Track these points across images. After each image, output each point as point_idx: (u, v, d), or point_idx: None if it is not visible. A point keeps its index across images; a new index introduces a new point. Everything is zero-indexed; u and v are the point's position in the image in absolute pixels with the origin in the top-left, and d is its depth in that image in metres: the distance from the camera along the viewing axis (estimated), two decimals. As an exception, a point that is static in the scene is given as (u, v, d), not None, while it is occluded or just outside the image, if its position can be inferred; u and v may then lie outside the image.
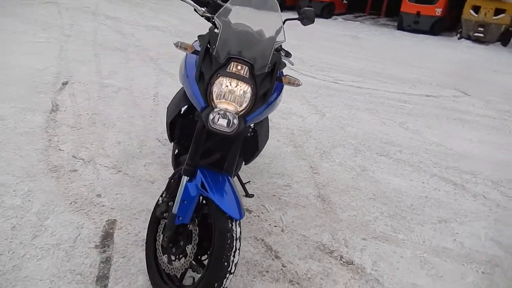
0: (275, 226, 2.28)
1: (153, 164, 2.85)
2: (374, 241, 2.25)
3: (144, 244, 2.04)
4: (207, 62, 1.51)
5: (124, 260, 1.95)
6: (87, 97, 3.97)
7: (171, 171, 2.73)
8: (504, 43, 10.26)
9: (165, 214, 1.70)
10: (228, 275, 1.49)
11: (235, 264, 1.51)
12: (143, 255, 1.98)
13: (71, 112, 3.56)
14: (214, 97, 1.46)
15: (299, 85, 1.62)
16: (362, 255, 2.13)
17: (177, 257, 1.65)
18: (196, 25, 8.74)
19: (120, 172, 2.71)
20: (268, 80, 1.51)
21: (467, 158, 3.45)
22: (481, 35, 10.14)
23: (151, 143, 3.15)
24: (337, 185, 2.81)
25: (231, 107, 1.46)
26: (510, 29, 10.18)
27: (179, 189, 1.62)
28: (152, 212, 1.86)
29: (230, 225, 1.51)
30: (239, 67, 1.45)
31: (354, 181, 2.89)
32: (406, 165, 3.21)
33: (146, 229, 1.88)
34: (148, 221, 1.88)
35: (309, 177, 2.88)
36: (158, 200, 1.82)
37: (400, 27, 11.81)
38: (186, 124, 1.88)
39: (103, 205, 2.35)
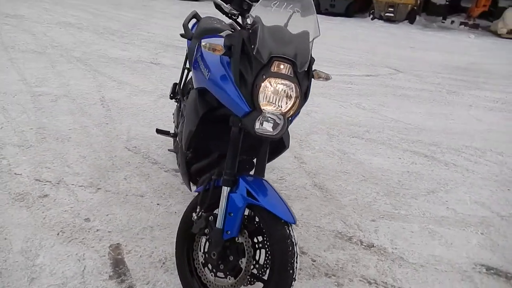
0: (287, 222, 2.27)
1: (133, 176, 2.63)
2: (382, 221, 2.37)
3: (163, 265, 1.91)
4: (245, 63, 1.42)
5: (149, 286, 1.78)
6: (21, 110, 3.49)
7: (156, 182, 2.56)
8: (411, 21, 11.39)
9: (206, 230, 1.59)
10: (293, 282, 1.45)
11: (298, 270, 1.47)
12: (168, 277, 1.83)
13: (10, 129, 3.11)
14: (262, 100, 1.38)
15: (329, 79, 1.60)
16: (378, 236, 2.23)
17: (229, 273, 1.55)
18: (111, 19, 8.18)
19: (100, 189, 2.45)
20: (306, 77, 1.47)
21: (425, 131, 3.78)
22: (391, 14, 11.11)
23: (121, 154, 2.89)
24: (327, 171, 2.88)
25: (278, 109, 1.39)
26: (415, 8, 11.33)
27: (221, 201, 1.53)
28: (180, 231, 1.73)
29: (288, 231, 1.46)
30: (281, 66, 1.38)
31: (340, 165, 2.99)
32: (378, 144, 3.41)
33: (175, 250, 1.74)
34: (176, 241, 1.74)
35: (298, 167, 2.91)
36: (185, 217, 1.70)
37: (318, 11, 12.35)
38: (202, 131, 1.76)
39: (98, 230, 2.10)
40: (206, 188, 1.62)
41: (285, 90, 1.37)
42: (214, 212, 1.61)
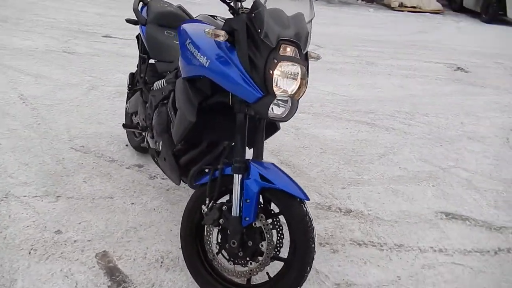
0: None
1: (93, 177, 2.43)
2: (351, 187, 2.57)
3: (162, 264, 1.85)
4: (251, 48, 1.41)
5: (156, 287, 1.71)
6: None
7: (121, 180, 2.42)
8: (314, -3, 11.93)
9: (220, 221, 1.57)
10: (314, 256, 1.53)
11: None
12: (171, 275, 1.78)
13: None
14: (275, 84, 1.38)
15: (319, 58, 1.67)
16: (352, 201, 2.42)
17: (249, 259, 1.57)
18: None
19: (60, 197, 2.23)
20: (306, 58, 1.52)
21: (361, 101, 4.11)
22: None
23: (69, 155, 2.64)
24: (288, 148, 3.00)
25: (289, 92, 1.42)
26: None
27: (234, 189, 1.53)
28: (185, 227, 1.70)
29: (304, 208, 1.52)
30: (288, 49, 1.40)
31: (298, 141, 3.13)
32: (325, 117, 3.62)
33: (181, 245, 1.69)
34: (182, 238, 1.70)
35: (259, 147, 2.97)
36: (190, 211, 1.68)
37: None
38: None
39: (75, 241, 1.93)
40: (213, 179, 1.60)
41: (295, 73, 1.40)
42: (224, 201, 1.60)
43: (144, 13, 2.39)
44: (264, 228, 1.55)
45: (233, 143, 1.64)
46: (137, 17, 2.37)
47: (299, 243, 1.51)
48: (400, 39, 7.42)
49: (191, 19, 1.83)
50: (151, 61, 2.31)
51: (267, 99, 1.40)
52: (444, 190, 2.62)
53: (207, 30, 1.45)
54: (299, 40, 1.44)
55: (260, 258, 1.57)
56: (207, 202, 1.60)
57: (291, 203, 1.52)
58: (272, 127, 1.82)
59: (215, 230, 1.63)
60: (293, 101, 1.45)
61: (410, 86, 4.54)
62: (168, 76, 2.00)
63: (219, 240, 1.62)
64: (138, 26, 2.54)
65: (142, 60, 2.38)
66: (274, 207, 1.58)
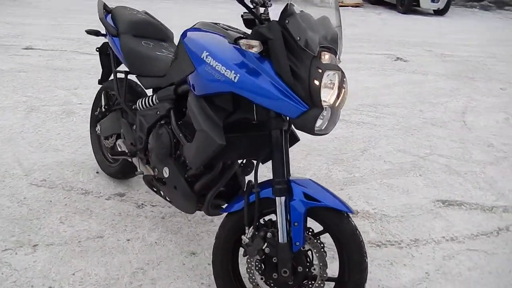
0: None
1: (69, 215, 2.11)
2: (348, 187, 2.55)
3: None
4: (289, 57, 1.28)
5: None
6: None
7: (104, 214, 2.18)
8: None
9: (266, 250, 1.43)
10: (367, 271, 1.46)
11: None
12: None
13: None
14: (323, 95, 1.28)
15: (340, 62, 1.59)
16: (355, 202, 2.41)
17: (300, 285, 1.45)
18: None
19: (38, 245, 1.90)
20: None
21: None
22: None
23: (30, 193, 2.27)
24: (272, 154, 2.90)
25: (334, 103, 1.32)
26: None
27: (279, 213, 1.40)
28: (219, 265, 1.56)
29: (353, 222, 1.44)
30: (327, 56, 1.30)
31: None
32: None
33: (218, 285, 1.52)
34: (216, 275, 1.55)
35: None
36: (223, 245, 1.55)
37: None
38: None
39: (76, 296, 1.65)
40: (249, 204, 1.45)
41: (339, 81, 1.30)
42: (263, 227, 1.46)
43: (110, 23, 2.12)
44: (315, 250, 1.45)
45: (257, 162, 1.52)
46: (106, 28, 2.09)
47: (352, 260, 1.43)
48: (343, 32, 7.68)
49: (191, 28, 1.64)
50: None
51: (313, 112, 1.28)
52: (431, 178, 2.73)
53: (242, 41, 1.31)
54: (334, 45, 1.36)
55: (313, 282, 1.46)
56: (246, 231, 1.45)
57: (339, 219, 1.43)
58: (293, 139, 1.71)
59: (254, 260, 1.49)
60: (336, 111, 1.35)
61: (362, 79, 4.70)
62: (161, 92, 1.78)
63: (263, 271, 1.48)
64: (93, 37, 2.28)
65: (113, 76, 2.11)
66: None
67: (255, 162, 1.76)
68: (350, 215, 1.46)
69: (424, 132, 3.45)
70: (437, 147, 3.18)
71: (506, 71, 5.49)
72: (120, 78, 2.13)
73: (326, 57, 1.30)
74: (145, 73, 1.90)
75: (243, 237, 1.45)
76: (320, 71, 1.27)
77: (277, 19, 1.35)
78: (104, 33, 2.28)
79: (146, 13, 2.31)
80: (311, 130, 1.31)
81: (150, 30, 2.11)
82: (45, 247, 1.89)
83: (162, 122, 1.76)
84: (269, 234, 1.43)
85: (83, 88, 3.90)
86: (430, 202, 2.47)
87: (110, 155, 2.02)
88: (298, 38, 1.28)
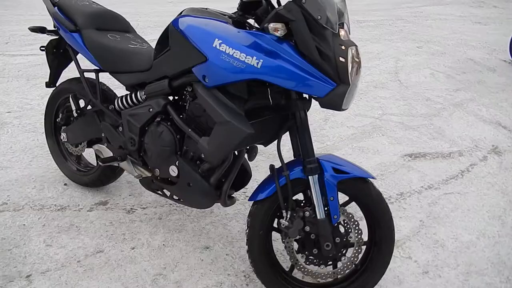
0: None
1: (54, 236, 1.91)
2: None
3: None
4: (313, 37, 1.29)
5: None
6: None
7: (92, 228, 2.04)
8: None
9: (306, 228, 1.47)
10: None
11: None
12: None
13: None
14: (350, 72, 1.31)
15: None
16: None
17: (341, 255, 1.51)
18: None
19: (31, 276, 1.70)
20: None
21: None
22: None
23: (-4, 220, 1.99)
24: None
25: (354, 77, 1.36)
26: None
27: (314, 191, 1.44)
28: (258, 247, 1.54)
29: (377, 188, 1.53)
30: (343, 32, 1.33)
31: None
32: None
33: (257, 271, 1.52)
34: (254, 262, 1.55)
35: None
36: (258, 233, 1.53)
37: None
38: None
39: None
40: (281, 187, 1.46)
41: (358, 55, 1.35)
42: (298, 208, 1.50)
43: (62, 17, 1.90)
44: (349, 220, 1.52)
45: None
46: (61, 23, 1.87)
47: (383, 221, 1.52)
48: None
49: (182, 15, 1.53)
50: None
51: (340, 89, 1.31)
52: (392, 136, 2.97)
53: (271, 25, 1.28)
54: (345, 20, 1.39)
55: (350, 249, 1.54)
56: (284, 214, 1.46)
57: (365, 186, 1.51)
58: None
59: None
60: (357, 85, 1.40)
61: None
62: (150, 88, 1.66)
63: (303, 249, 1.52)
64: (38, 35, 2.04)
65: (81, 76, 1.91)
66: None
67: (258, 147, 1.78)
68: (373, 181, 1.55)
69: (371, 95, 3.70)
70: (386, 107, 3.45)
71: (416, 31, 6.07)
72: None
73: (342, 33, 1.33)
74: (122, 69, 1.75)
75: (281, 221, 1.46)
76: (344, 47, 1.30)
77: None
78: (52, 29, 2.04)
79: (94, 2, 2.11)
80: (339, 107, 1.33)
81: (112, 22, 1.93)
82: (41, 276, 1.69)
83: (158, 119, 1.65)
84: (307, 213, 1.47)
85: (4, 94, 3.44)
86: (400, 157, 2.70)
87: (100, 163, 1.83)
88: (319, 17, 1.28)
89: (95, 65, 1.84)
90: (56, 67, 2.14)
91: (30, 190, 2.23)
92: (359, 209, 1.56)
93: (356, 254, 1.53)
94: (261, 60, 1.31)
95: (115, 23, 1.94)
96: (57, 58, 2.12)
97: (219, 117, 1.41)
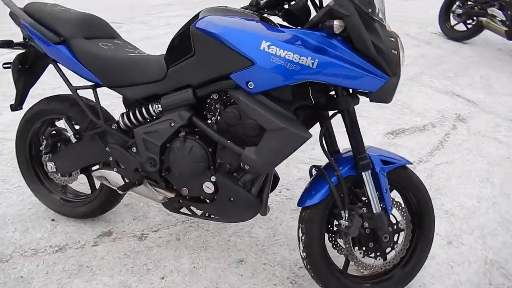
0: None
1: (64, 282, 1.68)
2: (314, 144, 2.70)
3: None
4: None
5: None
6: None
7: (107, 265, 1.88)
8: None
9: (365, 224, 1.47)
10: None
11: None
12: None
13: None
14: (402, 63, 1.31)
15: None
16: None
17: (393, 243, 1.54)
18: None
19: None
20: None
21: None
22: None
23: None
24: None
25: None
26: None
27: (368, 186, 1.45)
28: (318, 252, 1.51)
29: (414, 173, 1.59)
30: (387, 23, 1.34)
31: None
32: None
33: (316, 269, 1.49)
34: (315, 266, 1.51)
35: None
36: (317, 239, 1.50)
37: None
38: None
39: None
40: (335, 187, 1.44)
41: (403, 47, 1.36)
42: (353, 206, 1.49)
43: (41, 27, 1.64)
44: (397, 206, 1.56)
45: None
46: (40, 35, 1.61)
47: (423, 206, 1.58)
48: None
49: (203, 17, 1.40)
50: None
51: (392, 81, 1.31)
52: (370, 117, 3.09)
53: (336, 23, 1.22)
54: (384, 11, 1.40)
55: (402, 234, 1.58)
56: (343, 214, 1.45)
57: (406, 173, 1.56)
58: None
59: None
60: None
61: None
62: (168, 100, 1.50)
63: (360, 244, 1.52)
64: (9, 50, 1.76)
65: (74, 94, 1.67)
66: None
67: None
68: (410, 166, 1.60)
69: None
70: (351, 89, 3.57)
71: None
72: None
73: (386, 24, 1.34)
74: (129, 82, 1.56)
75: (341, 221, 1.45)
76: (393, 39, 1.31)
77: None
78: (19, 41, 1.75)
79: (59, 5, 1.84)
80: (389, 100, 1.33)
81: (98, 28, 1.71)
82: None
83: (182, 133, 1.51)
84: (364, 209, 1.47)
85: None
86: (383, 136, 2.82)
87: (120, 191, 1.61)
88: (370, 10, 1.27)
89: (90, 80, 1.62)
90: (23, 85, 1.85)
91: (11, 234, 1.92)
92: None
93: (407, 239, 1.58)
94: (316, 60, 1.26)
95: (102, 30, 1.72)
96: (24, 75, 1.83)
97: (272, 124, 1.33)
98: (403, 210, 1.57)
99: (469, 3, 4.91)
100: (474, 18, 4.88)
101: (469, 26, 4.96)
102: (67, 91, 1.72)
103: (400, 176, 1.55)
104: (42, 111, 1.82)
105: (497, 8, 4.60)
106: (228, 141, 1.44)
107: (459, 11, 4.95)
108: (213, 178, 1.50)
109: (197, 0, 6.53)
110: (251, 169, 1.44)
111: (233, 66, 1.34)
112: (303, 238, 1.50)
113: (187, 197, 1.60)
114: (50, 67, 1.80)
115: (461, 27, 4.99)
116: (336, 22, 1.24)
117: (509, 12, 4.49)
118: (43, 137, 1.85)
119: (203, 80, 1.43)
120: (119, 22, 5.18)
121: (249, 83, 1.33)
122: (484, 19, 4.66)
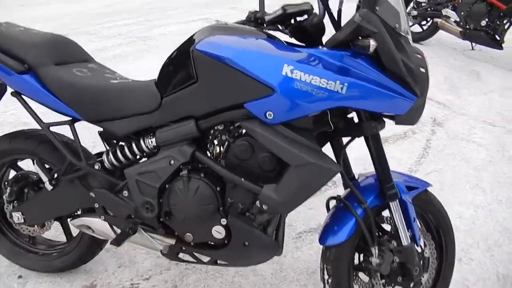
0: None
1: None
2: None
3: None
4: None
5: None
6: None
7: None
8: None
9: (395, 258, 1.35)
10: None
11: None
12: None
13: None
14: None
15: None
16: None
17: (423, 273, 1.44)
18: None
19: None
20: None
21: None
22: None
23: None
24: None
25: None
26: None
27: (396, 217, 1.34)
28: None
29: (433, 195, 1.51)
30: (411, 38, 1.24)
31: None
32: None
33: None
34: None
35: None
36: (349, 273, 1.36)
37: None
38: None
39: None
40: (363, 220, 1.32)
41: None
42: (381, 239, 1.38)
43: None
44: (423, 234, 1.47)
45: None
46: (1, 63, 1.34)
47: (445, 228, 1.50)
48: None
49: (205, 37, 1.21)
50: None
51: (419, 102, 1.21)
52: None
53: (372, 42, 1.08)
54: None
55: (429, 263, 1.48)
56: (373, 250, 1.32)
57: (427, 196, 1.47)
58: None
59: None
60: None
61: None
62: (165, 134, 1.30)
63: (388, 279, 1.41)
64: None
65: (47, 133, 1.41)
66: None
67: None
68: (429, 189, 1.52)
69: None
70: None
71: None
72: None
73: (410, 39, 1.24)
74: (115, 115, 1.33)
75: (371, 259, 1.32)
76: (420, 56, 1.21)
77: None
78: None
79: (12, 24, 1.56)
80: (415, 122, 1.26)
81: (69, 51, 1.46)
82: None
83: (184, 172, 1.31)
84: (393, 243, 1.36)
85: None
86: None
87: (115, 245, 1.36)
88: (396, 25, 1.16)
89: (65, 114, 1.37)
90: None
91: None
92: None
93: (433, 266, 1.50)
94: (346, 84, 1.12)
95: (73, 53, 1.47)
96: None
97: (298, 160, 1.18)
98: (428, 235, 1.48)
99: (423, 4, 5.06)
100: (429, 19, 5.04)
101: (425, 28, 5.12)
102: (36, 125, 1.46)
103: (423, 200, 1.46)
104: (2, 152, 1.53)
105: (450, 9, 4.78)
106: (242, 179, 1.27)
107: (414, 12, 5.08)
108: (223, 221, 1.32)
109: (141, 8, 6.20)
110: (270, 209, 1.27)
111: (248, 94, 1.17)
112: (329, 280, 1.36)
113: (192, 244, 1.40)
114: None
115: (416, 28, 5.12)
116: (372, 42, 1.11)
117: (462, 13, 4.68)
118: (6, 183, 1.55)
119: (208, 111, 1.25)
120: (63, 34, 4.76)
121: (267, 113, 1.17)
122: (439, 20, 4.81)
